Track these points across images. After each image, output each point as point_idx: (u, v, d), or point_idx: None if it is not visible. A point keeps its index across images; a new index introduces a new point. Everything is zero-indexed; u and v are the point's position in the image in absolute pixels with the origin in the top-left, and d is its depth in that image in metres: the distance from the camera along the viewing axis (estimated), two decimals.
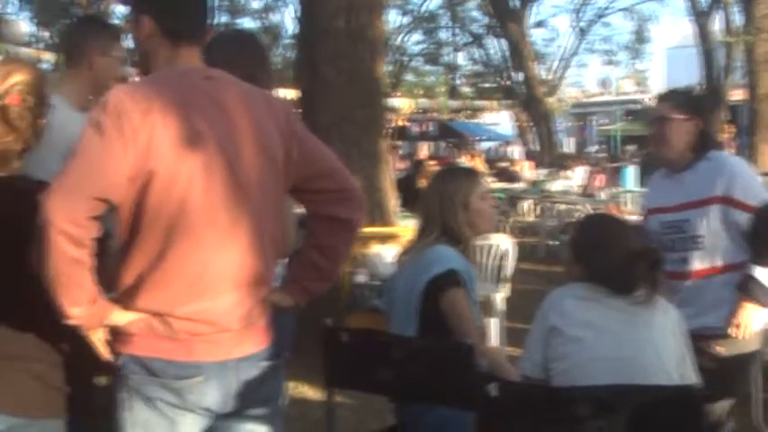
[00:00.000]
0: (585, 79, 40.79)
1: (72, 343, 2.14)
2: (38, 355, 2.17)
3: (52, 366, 2.19)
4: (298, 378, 4.96)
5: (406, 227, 6.24)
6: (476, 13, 31.29)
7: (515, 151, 27.88)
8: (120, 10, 25.08)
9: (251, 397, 2.19)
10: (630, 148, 27.07)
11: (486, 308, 5.52)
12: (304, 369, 3.64)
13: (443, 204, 3.20)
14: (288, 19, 29.35)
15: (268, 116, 2.21)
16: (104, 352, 2.12)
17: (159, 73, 2.19)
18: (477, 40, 32.14)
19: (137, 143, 1.95)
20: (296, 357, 2.84)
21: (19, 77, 2.16)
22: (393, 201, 6.59)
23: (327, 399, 3.16)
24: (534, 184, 15.35)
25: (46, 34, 27.13)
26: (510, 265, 6.25)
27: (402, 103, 22.95)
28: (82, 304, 1.98)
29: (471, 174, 3.48)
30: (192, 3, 2.22)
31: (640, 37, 32.76)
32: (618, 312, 2.71)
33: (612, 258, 2.76)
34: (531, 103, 25.72)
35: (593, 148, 34.06)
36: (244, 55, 2.85)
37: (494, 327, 5.60)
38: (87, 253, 1.94)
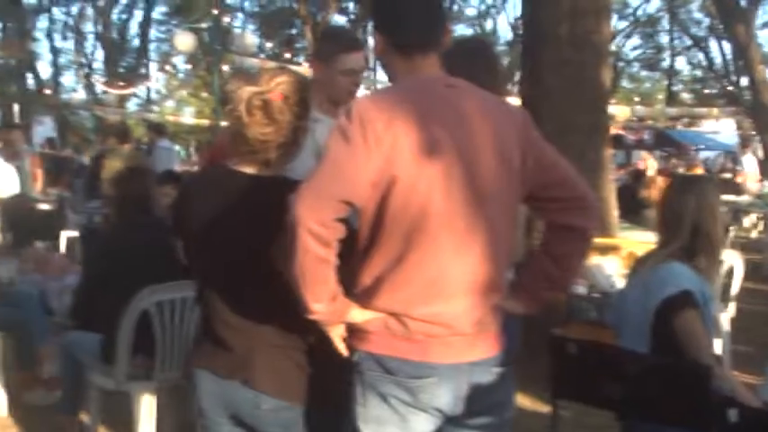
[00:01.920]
0: None
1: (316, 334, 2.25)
2: (296, 344, 2.33)
3: (307, 354, 2.33)
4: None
5: (627, 238, 6.05)
6: (698, 15, 29.94)
7: (739, 161, 26.33)
8: (340, 21, 26.09)
9: (481, 402, 2.20)
10: None
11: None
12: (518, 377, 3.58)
13: (702, 214, 3.05)
14: (502, 25, 29.34)
15: (506, 124, 2.22)
16: (342, 348, 2.22)
17: (402, 82, 2.26)
18: (698, 43, 30.72)
19: (380, 150, 2.02)
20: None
21: (284, 79, 2.30)
22: (614, 211, 6.39)
23: (552, 410, 3.11)
24: (760, 197, 14.42)
25: (269, 45, 28.65)
26: (737, 284, 5.90)
27: (618, 111, 22.31)
28: (323, 301, 2.07)
29: (715, 185, 3.30)
30: (417, 14, 2.24)
31: None
32: None
33: None
34: (757, 110, 24.16)
35: None
36: (473, 63, 2.86)
37: (719, 348, 5.30)
38: (332, 252, 2.03)
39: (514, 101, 5.65)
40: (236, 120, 2.29)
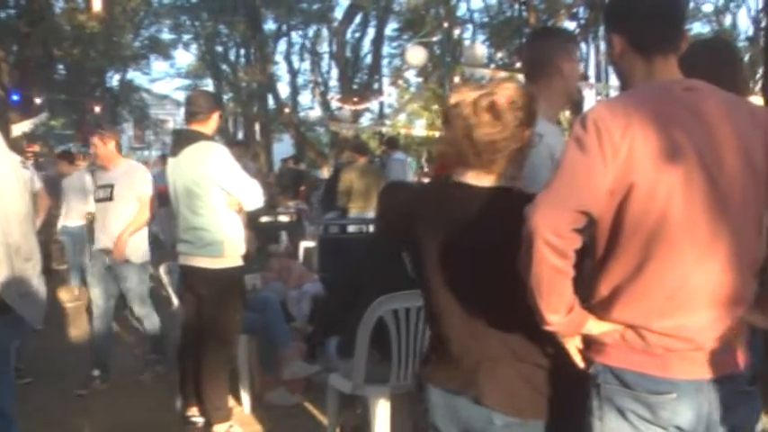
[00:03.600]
0: None
1: (554, 347, 2.21)
2: (522, 357, 2.27)
3: (536, 368, 2.27)
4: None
5: None
6: None
7: None
8: (569, 26, 25.67)
9: (724, 422, 2.08)
10: None
11: None
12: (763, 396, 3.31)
13: None
14: (742, 20, 27.68)
15: (750, 125, 2.09)
16: (578, 360, 2.16)
17: (638, 88, 2.18)
18: None
19: (616, 158, 1.96)
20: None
21: (511, 86, 2.29)
22: None
23: None
24: None
25: (499, 55, 28.70)
26: None
27: None
28: (560, 312, 2.03)
29: None
30: (660, 15, 2.17)
31: None
32: None
33: None
34: None
35: None
36: (714, 63, 2.72)
37: None
38: (569, 263, 1.98)
39: (757, 100, 5.25)
40: (463, 121, 2.27)
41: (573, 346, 2.16)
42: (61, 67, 33.09)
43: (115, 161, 6.28)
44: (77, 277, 9.56)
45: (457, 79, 17.92)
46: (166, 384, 5.91)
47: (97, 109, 37.87)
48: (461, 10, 32.17)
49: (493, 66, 24.11)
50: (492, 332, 2.28)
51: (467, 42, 27.48)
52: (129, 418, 5.48)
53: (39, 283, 3.47)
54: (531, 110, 2.29)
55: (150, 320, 6.40)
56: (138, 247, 6.21)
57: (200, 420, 5.17)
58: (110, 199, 6.16)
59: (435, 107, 26.27)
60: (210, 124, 5.06)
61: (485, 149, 2.26)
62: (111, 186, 6.16)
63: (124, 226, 6.08)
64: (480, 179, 2.31)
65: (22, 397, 5.51)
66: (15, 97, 24.66)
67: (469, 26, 33.47)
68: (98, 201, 6.32)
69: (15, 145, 15.18)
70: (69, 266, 9.92)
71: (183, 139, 5.08)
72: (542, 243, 1.93)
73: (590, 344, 2.14)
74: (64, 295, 9.55)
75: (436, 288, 2.39)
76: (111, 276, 6.24)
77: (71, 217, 9.34)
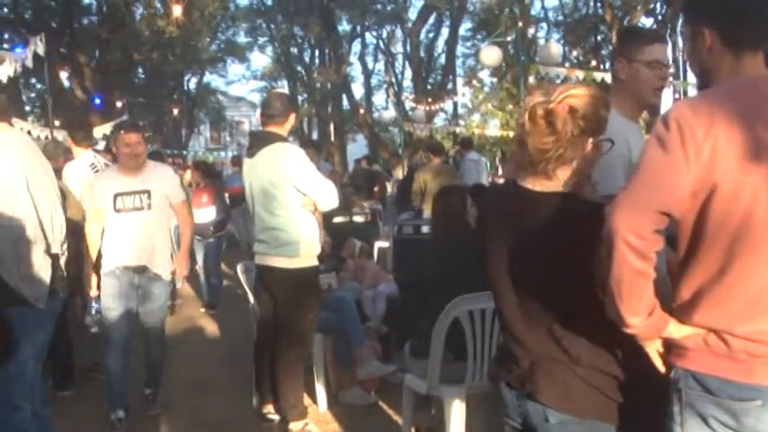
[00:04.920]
0: None
1: (631, 352, 2.17)
2: (585, 361, 2.26)
3: (601, 373, 2.25)
4: None
5: None
6: None
7: None
8: (647, 23, 25.20)
9: None
10: None
11: None
12: None
13: None
14: None
15: None
16: (659, 364, 2.12)
17: (723, 85, 2.13)
18: None
19: (699, 158, 1.91)
20: None
21: (578, 92, 2.26)
22: None
23: None
24: None
25: (574, 53, 28.36)
26: None
27: None
28: (641, 315, 1.99)
29: None
30: (759, 11, 2.12)
31: None
32: None
33: None
34: None
35: None
36: None
37: None
38: (650, 265, 1.95)
39: None
40: (521, 128, 2.29)
41: (653, 350, 2.12)
42: (140, 71, 34.02)
43: (146, 163, 5.52)
44: None
45: (531, 79, 17.75)
46: (242, 382, 6.00)
47: (175, 111, 38.76)
48: (536, 8, 31.93)
49: (568, 64, 23.83)
50: (550, 334, 2.29)
51: (541, 41, 27.23)
52: (206, 416, 5.58)
53: (41, 266, 3.81)
54: (596, 117, 2.27)
55: (164, 344, 5.85)
56: (169, 261, 5.64)
57: (276, 418, 5.24)
58: (147, 208, 5.37)
59: (510, 107, 26.08)
60: (286, 126, 5.12)
61: (537, 158, 2.26)
62: (148, 193, 5.38)
63: (167, 238, 5.55)
64: (541, 184, 2.31)
65: (102, 390, 5.67)
66: (97, 101, 25.45)
67: (544, 25, 33.18)
68: (128, 210, 5.34)
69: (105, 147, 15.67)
70: None
71: (259, 140, 5.15)
72: (623, 245, 1.90)
73: (671, 348, 2.09)
74: None
75: (499, 290, 2.43)
76: (135, 297, 5.44)
77: None
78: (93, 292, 5.61)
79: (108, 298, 5.32)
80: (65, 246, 4.04)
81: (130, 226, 5.33)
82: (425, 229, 8.93)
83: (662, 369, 2.11)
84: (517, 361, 2.38)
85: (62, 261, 4.01)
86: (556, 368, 2.29)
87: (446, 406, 4.20)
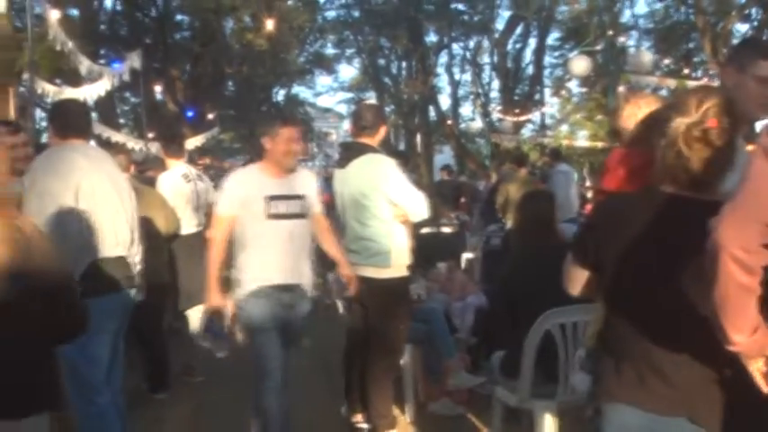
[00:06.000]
0: None
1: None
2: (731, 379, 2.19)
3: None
4: None
5: None
6: None
7: None
8: (741, 29, 24.49)
9: None
10: None
11: None
12: None
13: None
14: None
15: None
16: (762, 383, 2.05)
17: None
18: None
19: None
20: None
21: (712, 102, 2.23)
22: None
23: None
24: None
25: (666, 61, 27.75)
26: None
27: None
28: (745, 332, 1.94)
29: None
30: None
31: None
32: None
33: None
34: None
35: None
36: None
37: None
38: (756, 280, 1.89)
39: None
40: (676, 155, 2.25)
41: (756, 369, 2.04)
42: (231, 84, 34.69)
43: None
44: None
45: (621, 88, 17.45)
46: (331, 390, 6.05)
47: None
48: (625, 16, 31.33)
49: (659, 73, 23.32)
50: (701, 354, 2.20)
51: (631, 50, 26.73)
52: (297, 421, 5.64)
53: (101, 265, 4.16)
54: (734, 119, 2.25)
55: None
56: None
57: (365, 427, 5.27)
58: (302, 216, 4.64)
59: (599, 117, 25.66)
60: (377, 137, 5.16)
61: (702, 177, 2.24)
62: (303, 198, 4.65)
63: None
64: (692, 192, 2.28)
65: (196, 394, 5.81)
66: (190, 113, 26.12)
67: (634, 33, 32.55)
68: (286, 217, 4.53)
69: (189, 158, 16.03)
70: None
71: (351, 151, 5.21)
72: (729, 258, 1.85)
73: None
74: None
75: (637, 307, 2.32)
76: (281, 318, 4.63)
77: None
78: (227, 310, 4.60)
79: (256, 322, 4.50)
80: (134, 248, 4.37)
81: (284, 235, 4.53)
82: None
83: (765, 389, 2.04)
84: (667, 382, 2.26)
85: (133, 261, 4.35)
86: (712, 388, 2.22)
87: (537, 420, 4.16)
